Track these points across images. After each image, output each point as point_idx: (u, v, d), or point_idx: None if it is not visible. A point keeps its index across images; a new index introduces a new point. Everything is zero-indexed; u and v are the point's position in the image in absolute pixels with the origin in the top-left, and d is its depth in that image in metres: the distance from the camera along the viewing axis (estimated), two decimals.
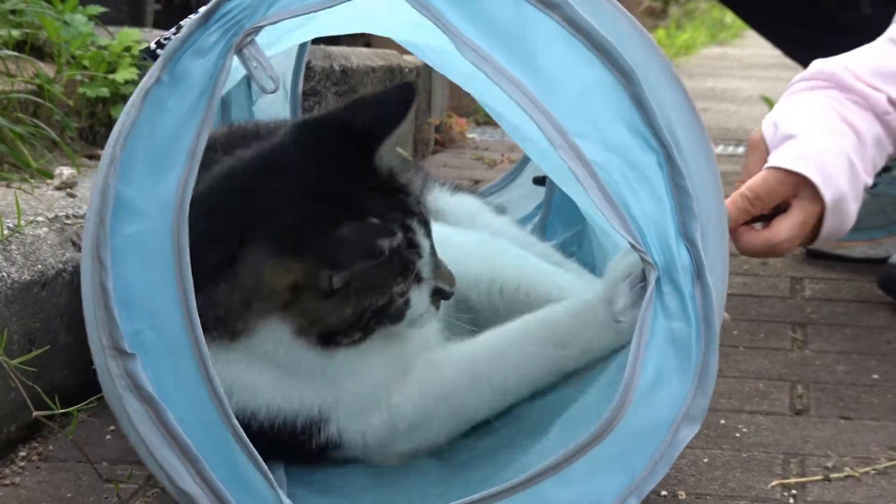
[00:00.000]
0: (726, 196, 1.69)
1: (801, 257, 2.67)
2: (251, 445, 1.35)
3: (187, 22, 1.36)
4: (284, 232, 1.42)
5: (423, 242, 1.50)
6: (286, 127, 1.58)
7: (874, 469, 1.68)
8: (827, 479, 1.65)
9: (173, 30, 1.37)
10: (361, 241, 1.41)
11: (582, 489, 1.33)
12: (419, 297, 1.50)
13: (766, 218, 1.78)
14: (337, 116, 1.51)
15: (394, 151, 1.53)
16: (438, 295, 1.54)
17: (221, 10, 1.35)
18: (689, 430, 1.35)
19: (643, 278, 1.35)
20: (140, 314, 1.35)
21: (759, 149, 1.75)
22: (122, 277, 1.35)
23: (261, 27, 1.35)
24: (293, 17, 1.37)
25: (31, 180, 2.12)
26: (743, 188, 1.71)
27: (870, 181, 1.76)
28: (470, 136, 4.17)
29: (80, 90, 2.49)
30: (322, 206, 1.44)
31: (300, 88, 2.37)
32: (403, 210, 1.48)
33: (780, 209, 1.76)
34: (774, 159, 1.71)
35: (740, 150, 3.99)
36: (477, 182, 3.28)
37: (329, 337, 1.46)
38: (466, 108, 4.38)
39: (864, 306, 2.37)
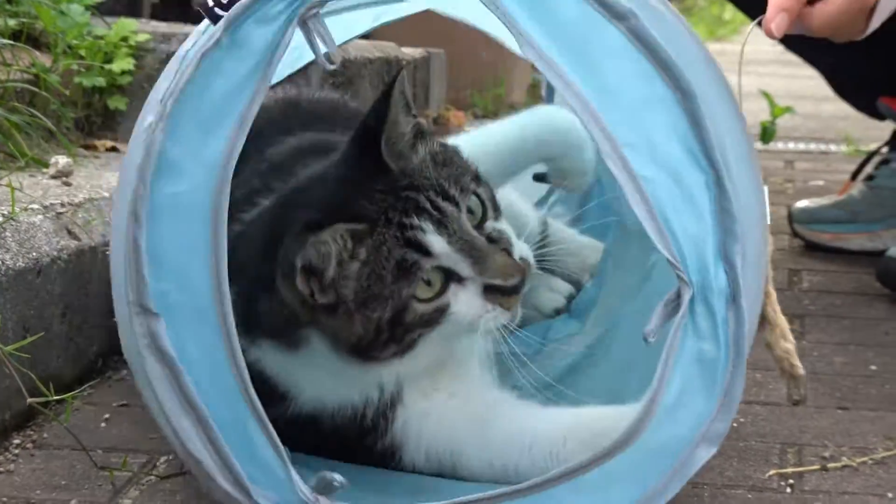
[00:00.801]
0: None
1: (800, 249, 2.66)
2: (268, 421, 1.34)
3: None
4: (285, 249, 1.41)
5: (432, 240, 1.42)
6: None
7: (871, 459, 1.67)
8: (824, 468, 1.64)
9: None
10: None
11: (594, 498, 1.33)
12: (466, 299, 1.44)
13: None
14: (362, 121, 1.47)
15: (412, 142, 1.47)
16: (497, 292, 1.45)
17: None
18: (707, 451, 1.34)
19: (677, 296, 1.32)
20: (169, 275, 1.34)
21: None
22: (156, 235, 1.33)
23: (326, 0, 1.33)
24: None
25: (27, 169, 2.12)
26: None
27: None
28: (468, 129, 4.17)
29: (77, 80, 2.49)
30: (315, 219, 1.40)
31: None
32: (407, 209, 1.41)
33: None
34: None
35: None
36: None
37: (362, 351, 1.44)
38: (464, 101, 4.38)
39: (862, 298, 2.36)
